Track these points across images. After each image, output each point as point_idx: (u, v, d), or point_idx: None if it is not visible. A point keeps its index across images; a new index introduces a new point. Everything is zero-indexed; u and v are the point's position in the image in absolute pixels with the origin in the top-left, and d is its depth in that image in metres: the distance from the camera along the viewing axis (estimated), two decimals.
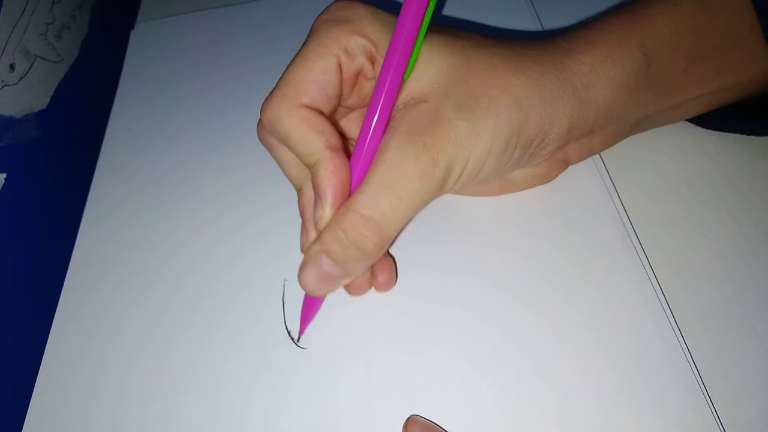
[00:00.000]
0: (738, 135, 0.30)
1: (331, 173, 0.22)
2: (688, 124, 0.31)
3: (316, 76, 0.23)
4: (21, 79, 0.36)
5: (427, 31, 0.22)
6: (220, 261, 0.31)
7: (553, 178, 0.29)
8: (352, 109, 0.26)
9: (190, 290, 0.30)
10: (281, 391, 0.26)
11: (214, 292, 0.30)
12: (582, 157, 0.28)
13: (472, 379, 0.25)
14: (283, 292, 0.29)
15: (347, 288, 0.27)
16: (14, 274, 0.35)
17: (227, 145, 0.35)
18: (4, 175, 0.34)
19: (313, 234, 0.24)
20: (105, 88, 0.41)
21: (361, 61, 0.23)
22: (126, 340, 0.29)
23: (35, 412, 0.27)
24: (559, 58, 0.25)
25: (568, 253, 0.28)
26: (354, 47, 0.23)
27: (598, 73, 0.25)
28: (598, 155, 0.30)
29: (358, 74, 0.24)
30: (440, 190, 0.23)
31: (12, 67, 0.35)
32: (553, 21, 0.37)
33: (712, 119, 0.30)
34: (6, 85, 0.35)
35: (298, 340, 0.27)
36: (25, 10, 0.36)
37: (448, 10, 0.38)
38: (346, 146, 0.24)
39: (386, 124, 0.23)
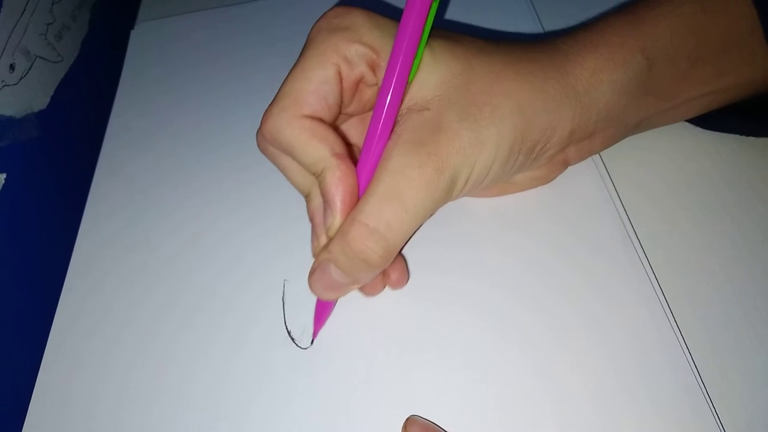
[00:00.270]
0: (737, 135, 0.30)
1: (339, 180, 0.22)
2: (688, 124, 0.31)
3: (316, 87, 0.23)
4: (21, 79, 0.36)
5: (428, 36, 0.22)
6: (220, 262, 0.31)
7: (553, 178, 0.29)
8: (351, 116, 0.26)
9: (190, 291, 0.30)
10: (281, 391, 0.26)
11: (214, 293, 0.30)
12: (582, 158, 0.28)
13: (471, 379, 0.25)
14: (283, 293, 0.29)
15: (361, 289, 0.27)
16: (14, 274, 0.35)
17: (228, 146, 0.35)
18: (4, 175, 0.34)
19: (323, 239, 0.24)
20: (105, 88, 0.41)
21: (362, 69, 0.23)
22: (126, 340, 0.29)
23: (35, 412, 0.27)
24: (560, 62, 0.25)
25: (568, 254, 0.28)
26: (354, 55, 0.23)
27: (599, 77, 0.24)
28: (598, 156, 0.31)
29: (359, 82, 0.24)
30: (445, 198, 0.23)
31: (12, 67, 0.35)
32: (553, 23, 0.37)
33: (712, 120, 0.30)
34: (6, 85, 0.35)
35: (311, 344, 0.27)
36: (25, 10, 0.36)
37: (449, 13, 0.38)
38: (351, 152, 0.24)
39: (391, 130, 0.23)
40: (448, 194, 0.23)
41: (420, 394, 0.25)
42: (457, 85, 0.23)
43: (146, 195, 0.34)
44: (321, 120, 0.23)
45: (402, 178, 0.22)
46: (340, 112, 0.24)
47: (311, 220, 0.26)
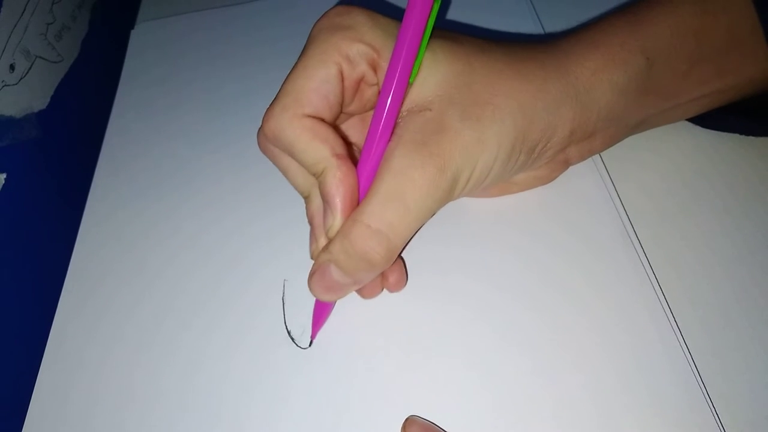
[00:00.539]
0: (737, 135, 0.30)
1: (339, 181, 0.22)
2: (687, 124, 0.31)
3: (318, 86, 0.23)
4: (21, 79, 0.36)
5: (429, 36, 0.22)
6: (220, 262, 0.31)
7: (554, 178, 0.29)
8: (351, 115, 0.26)
9: (190, 291, 0.30)
10: (281, 390, 0.26)
11: (214, 293, 0.30)
12: (583, 158, 0.28)
13: (471, 379, 0.25)
14: (283, 293, 0.29)
15: (359, 292, 0.27)
16: (14, 274, 0.35)
17: (228, 146, 0.35)
18: (4, 175, 0.34)
19: (322, 241, 0.24)
20: (105, 88, 0.41)
21: (363, 68, 0.23)
22: (126, 340, 0.29)
23: (35, 412, 0.27)
24: (561, 61, 0.25)
25: (568, 254, 0.28)
26: (355, 54, 0.23)
27: (600, 77, 0.24)
28: (598, 156, 0.31)
29: (360, 81, 0.24)
30: (447, 198, 0.23)
31: (12, 67, 0.35)
32: (554, 24, 0.37)
33: (712, 119, 0.30)
34: (6, 85, 0.35)
35: (310, 345, 0.27)
36: (25, 10, 0.36)
37: (449, 13, 0.38)
38: (351, 152, 0.24)
39: (392, 130, 0.23)
40: (450, 194, 0.23)
41: (419, 394, 0.25)
42: (458, 85, 0.23)
43: (146, 195, 0.34)
44: (322, 119, 0.23)
45: (404, 179, 0.22)
46: (341, 112, 0.24)
47: (310, 222, 0.26)
